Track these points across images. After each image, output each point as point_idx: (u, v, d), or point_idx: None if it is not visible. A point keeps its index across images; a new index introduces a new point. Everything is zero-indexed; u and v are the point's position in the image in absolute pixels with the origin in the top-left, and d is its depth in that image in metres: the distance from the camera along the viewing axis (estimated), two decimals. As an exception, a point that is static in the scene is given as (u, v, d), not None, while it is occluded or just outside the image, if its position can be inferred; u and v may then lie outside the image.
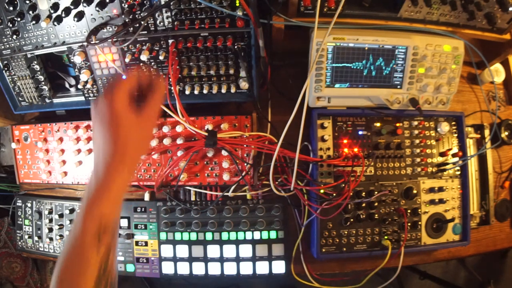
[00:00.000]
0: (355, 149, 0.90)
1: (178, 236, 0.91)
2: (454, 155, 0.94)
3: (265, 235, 0.90)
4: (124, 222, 0.94)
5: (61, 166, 0.97)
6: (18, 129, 1.00)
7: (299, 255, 0.92)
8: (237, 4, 0.73)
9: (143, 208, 0.93)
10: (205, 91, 0.85)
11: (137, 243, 0.93)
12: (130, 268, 0.93)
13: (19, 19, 0.79)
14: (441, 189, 0.93)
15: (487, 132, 1.02)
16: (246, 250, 0.90)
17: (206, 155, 0.90)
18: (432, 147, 0.94)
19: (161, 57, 0.82)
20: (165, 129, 0.90)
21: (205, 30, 0.77)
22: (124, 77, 0.54)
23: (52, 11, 0.77)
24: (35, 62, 0.88)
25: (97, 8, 0.76)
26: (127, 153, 0.52)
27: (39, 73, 0.89)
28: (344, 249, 0.89)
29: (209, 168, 0.91)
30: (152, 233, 0.92)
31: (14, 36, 0.82)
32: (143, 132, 0.55)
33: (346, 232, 0.89)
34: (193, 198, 0.93)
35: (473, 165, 1.01)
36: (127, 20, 0.77)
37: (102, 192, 0.50)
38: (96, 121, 0.53)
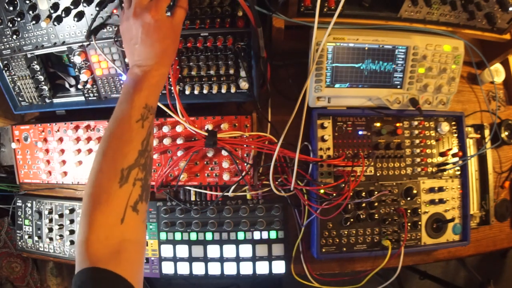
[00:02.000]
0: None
1: (178, 236, 0.91)
2: (454, 155, 0.94)
3: (265, 235, 0.90)
4: (124, 222, 0.93)
5: (61, 166, 0.97)
6: (18, 129, 1.00)
7: (299, 255, 0.92)
8: (237, 4, 0.73)
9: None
10: (205, 91, 0.85)
11: (137, 243, 0.93)
12: (130, 268, 0.93)
13: (19, 19, 0.79)
14: (441, 189, 0.93)
15: (487, 132, 1.02)
16: (246, 250, 0.90)
17: (206, 155, 0.90)
18: (432, 147, 0.94)
19: (161, 57, 0.81)
20: (165, 129, 0.90)
21: (205, 30, 0.77)
22: None
23: (52, 11, 0.77)
24: (35, 62, 0.88)
25: (97, 8, 0.76)
26: (171, 58, 0.64)
27: (39, 73, 0.89)
28: (344, 249, 0.89)
29: (209, 168, 0.91)
30: (152, 233, 0.92)
31: (14, 36, 0.82)
32: (178, 38, 0.65)
33: (346, 232, 0.89)
34: (193, 198, 0.93)
35: (473, 165, 1.01)
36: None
37: (151, 86, 0.60)
38: (138, 28, 0.60)
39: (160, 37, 0.61)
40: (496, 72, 1.05)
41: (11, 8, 0.78)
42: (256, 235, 0.90)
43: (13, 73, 0.90)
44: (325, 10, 0.79)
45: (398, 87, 0.88)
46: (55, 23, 0.78)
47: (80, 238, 0.49)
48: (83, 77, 0.86)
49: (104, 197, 0.51)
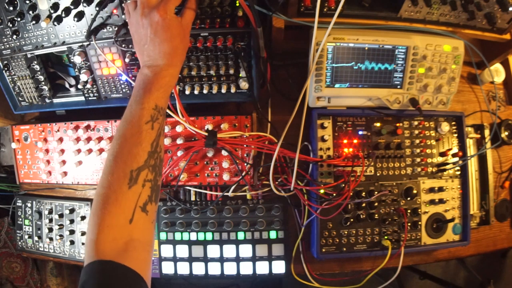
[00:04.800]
0: (350, 149, 0.90)
1: (178, 236, 0.91)
2: (454, 155, 0.94)
3: (265, 235, 0.90)
4: (124, 222, 0.94)
5: (61, 166, 0.97)
6: (18, 129, 1.00)
7: (299, 255, 0.92)
8: (237, 4, 0.73)
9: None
10: (205, 91, 0.85)
11: (137, 243, 0.93)
12: (130, 268, 0.93)
13: (19, 19, 0.79)
14: (441, 189, 0.93)
15: (487, 132, 1.02)
16: (246, 250, 0.90)
17: (206, 155, 0.90)
18: (432, 147, 0.94)
19: (161, 57, 0.81)
20: (165, 129, 0.90)
21: (205, 30, 0.77)
22: None
23: (52, 11, 0.77)
24: (35, 62, 0.88)
25: (97, 8, 0.76)
26: (180, 56, 0.64)
27: (39, 73, 0.89)
28: (344, 249, 0.89)
29: (209, 168, 0.91)
30: (152, 233, 0.92)
31: (14, 36, 0.82)
32: (187, 37, 0.65)
33: (346, 232, 0.89)
34: (193, 198, 0.93)
35: (473, 165, 1.01)
36: (127, 20, 0.77)
37: (161, 87, 0.60)
38: (147, 27, 0.60)
39: (169, 36, 0.60)
40: (496, 72, 1.05)
41: (11, 8, 0.78)
42: (256, 235, 0.90)
43: (13, 73, 0.90)
44: (325, 10, 0.79)
45: (398, 87, 0.88)
46: (55, 23, 0.78)
47: (89, 237, 0.50)
48: (83, 77, 0.86)
49: (113, 198, 0.52)
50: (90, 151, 0.94)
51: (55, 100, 0.95)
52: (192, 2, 0.66)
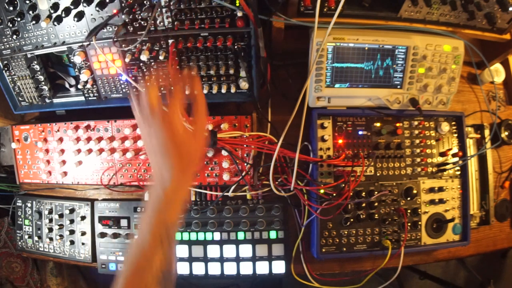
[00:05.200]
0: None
1: (178, 236, 0.91)
2: (454, 155, 0.94)
3: (265, 235, 0.90)
4: (124, 222, 0.94)
5: (61, 166, 0.97)
6: (18, 129, 1.00)
7: (299, 255, 0.92)
8: (237, 4, 0.73)
9: (143, 208, 0.93)
10: (205, 91, 0.85)
11: (137, 243, 0.93)
12: (130, 268, 0.93)
13: (19, 19, 0.79)
14: (441, 189, 0.93)
15: (487, 132, 1.02)
16: (246, 250, 0.90)
17: (206, 155, 0.90)
18: (432, 147, 0.94)
19: (161, 57, 0.81)
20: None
21: (205, 30, 0.77)
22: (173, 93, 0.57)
23: (52, 11, 0.77)
24: (35, 62, 0.88)
25: (97, 8, 0.76)
26: (191, 166, 0.57)
27: (39, 73, 0.89)
28: (344, 249, 0.89)
29: (209, 168, 0.91)
30: (152, 233, 0.92)
31: (14, 36, 0.82)
32: (200, 144, 0.59)
33: (346, 232, 0.89)
34: (193, 198, 0.93)
35: (473, 165, 1.01)
36: (127, 20, 0.77)
37: (170, 203, 0.53)
38: (154, 138, 0.55)
39: (178, 151, 0.54)
40: (496, 72, 1.05)
41: (11, 8, 0.78)
42: (256, 235, 0.90)
43: (13, 73, 0.90)
44: (325, 10, 0.79)
45: (398, 87, 0.88)
46: (55, 23, 0.78)
47: None
48: (83, 77, 0.86)
49: None
50: (90, 151, 0.94)
51: (55, 100, 0.95)
52: (201, 103, 0.59)
